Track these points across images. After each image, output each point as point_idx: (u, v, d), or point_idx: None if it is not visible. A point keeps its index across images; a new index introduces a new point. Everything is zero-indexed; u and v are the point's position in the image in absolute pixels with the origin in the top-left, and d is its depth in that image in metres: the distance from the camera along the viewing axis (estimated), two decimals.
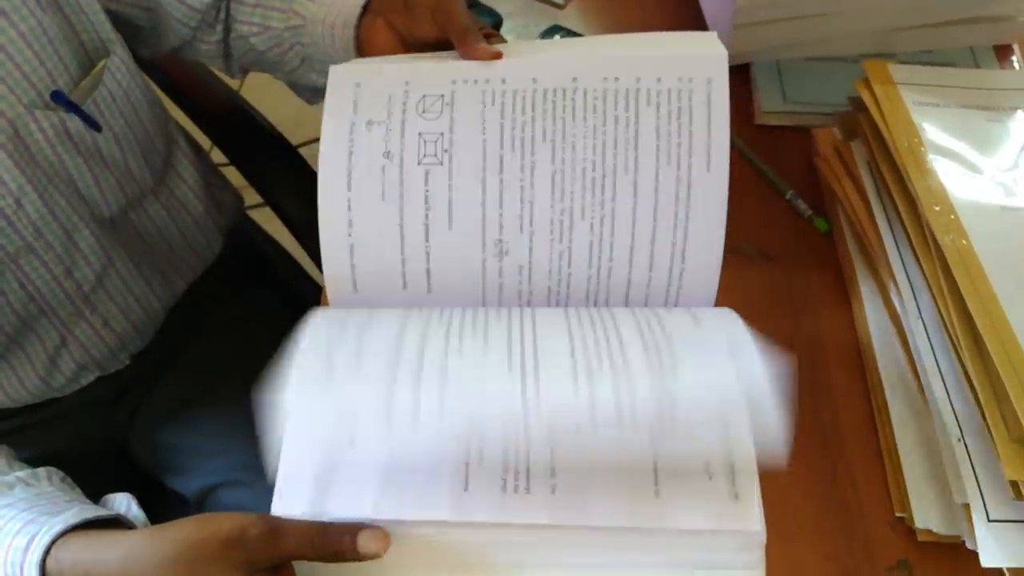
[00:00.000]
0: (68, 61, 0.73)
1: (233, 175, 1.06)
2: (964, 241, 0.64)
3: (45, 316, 0.80)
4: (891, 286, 0.69)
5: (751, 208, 0.80)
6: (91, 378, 0.87)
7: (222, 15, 0.84)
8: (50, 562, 0.55)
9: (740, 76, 0.87)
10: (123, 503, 0.61)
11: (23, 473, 0.63)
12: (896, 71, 0.76)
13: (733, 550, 0.53)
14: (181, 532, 0.52)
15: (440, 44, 0.66)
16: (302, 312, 0.62)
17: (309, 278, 1.10)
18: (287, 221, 0.97)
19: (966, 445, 0.59)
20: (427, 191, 0.60)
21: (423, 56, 0.66)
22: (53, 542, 0.55)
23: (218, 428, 0.91)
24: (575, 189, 0.59)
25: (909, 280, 0.68)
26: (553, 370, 0.56)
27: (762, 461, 0.53)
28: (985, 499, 0.57)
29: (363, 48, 0.74)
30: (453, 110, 0.61)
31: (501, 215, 0.60)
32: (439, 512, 0.52)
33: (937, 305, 0.64)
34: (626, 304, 0.62)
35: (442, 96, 0.61)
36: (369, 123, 0.61)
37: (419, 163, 0.60)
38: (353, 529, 0.50)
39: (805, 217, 0.80)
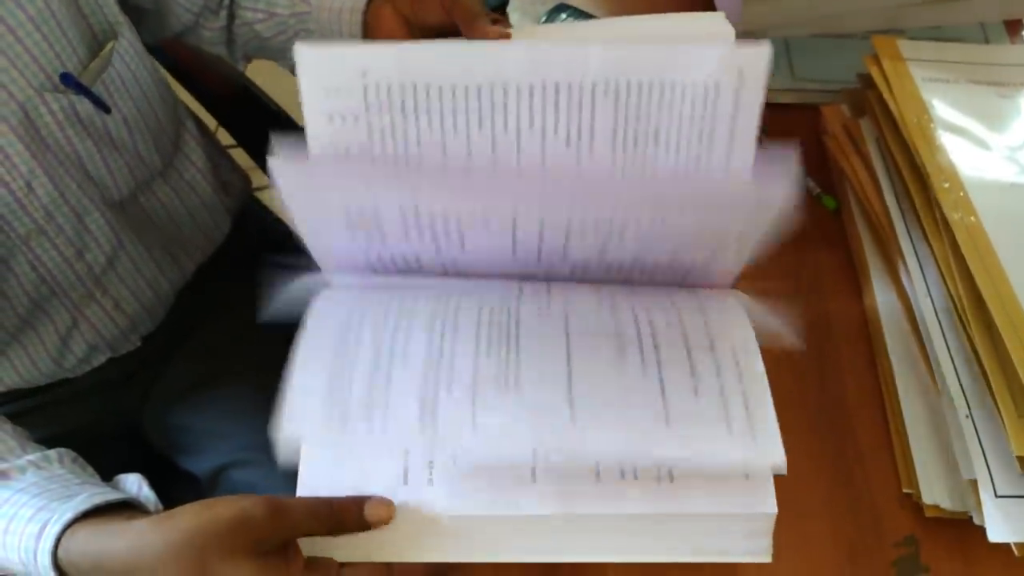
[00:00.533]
0: (77, 44, 0.73)
1: (241, 157, 1.06)
2: (973, 218, 0.64)
3: (56, 298, 0.80)
4: (900, 264, 0.69)
5: None
6: (102, 359, 0.88)
7: (226, 1, 0.84)
8: (60, 551, 0.55)
9: None
10: (134, 484, 0.61)
11: (35, 456, 0.64)
12: (905, 47, 0.76)
13: (743, 536, 0.53)
14: (186, 520, 0.52)
15: (447, 29, 0.65)
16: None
17: None
18: None
19: (974, 421, 0.60)
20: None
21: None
22: (64, 530, 0.56)
23: (229, 408, 0.92)
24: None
25: (918, 257, 0.68)
26: (580, 354, 0.57)
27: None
28: (993, 475, 0.58)
29: (369, 34, 0.74)
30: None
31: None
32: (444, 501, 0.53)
33: (946, 282, 0.64)
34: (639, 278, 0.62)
35: None
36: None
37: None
38: (359, 500, 0.51)
39: (813, 195, 0.79)
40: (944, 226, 0.64)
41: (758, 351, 0.56)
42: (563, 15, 0.95)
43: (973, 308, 0.61)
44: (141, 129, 0.81)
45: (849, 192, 0.77)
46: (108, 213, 0.79)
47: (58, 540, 0.56)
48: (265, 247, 1.06)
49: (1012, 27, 0.88)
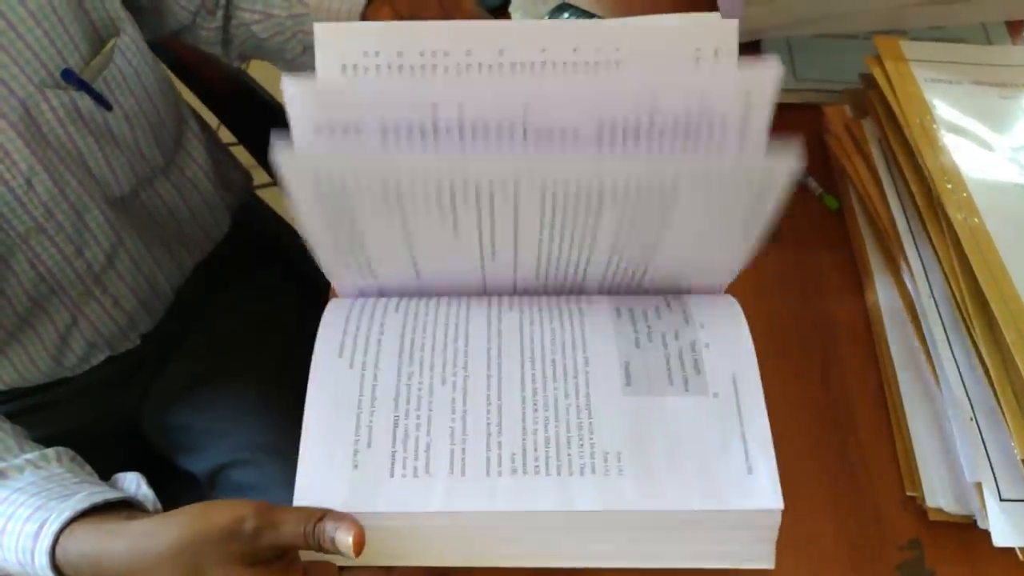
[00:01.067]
0: (78, 40, 0.72)
1: (242, 155, 1.06)
2: (976, 219, 0.63)
3: (55, 295, 0.80)
4: (902, 264, 0.69)
5: None
6: (101, 357, 0.88)
7: (223, 1, 0.83)
8: (58, 551, 0.56)
9: (751, 53, 0.87)
10: (132, 483, 0.61)
11: (32, 455, 0.64)
12: (908, 48, 0.75)
13: (746, 542, 0.53)
14: (183, 524, 0.53)
15: None
16: (310, 291, 0.63)
17: None
18: None
19: (978, 424, 0.59)
20: None
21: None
22: (62, 530, 0.56)
23: (228, 408, 0.92)
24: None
25: (921, 258, 0.67)
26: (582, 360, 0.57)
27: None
28: (997, 478, 0.57)
29: None
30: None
31: None
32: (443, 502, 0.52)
33: (949, 283, 0.64)
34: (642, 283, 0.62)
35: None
36: None
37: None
38: (338, 522, 0.51)
39: (816, 195, 0.79)
40: (947, 227, 0.64)
41: (759, 382, 0.56)
42: (565, 14, 0.95)
43: (976, 309, 0.61)
44: (143, 126, 0.80)
45: (851, 192, 0.77)
46: (108, 210, 0.79)
47: (56, 540, 0.56)
48: (265, 245, 1.06)
49: (1014, 28, 0.88)
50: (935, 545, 0.61)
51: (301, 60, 0.82)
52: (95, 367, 0.88)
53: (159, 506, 0.61)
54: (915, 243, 0.68)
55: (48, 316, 0.81)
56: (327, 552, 0.51)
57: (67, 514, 0.56)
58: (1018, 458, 0.56)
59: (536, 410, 0.56)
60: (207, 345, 0.96)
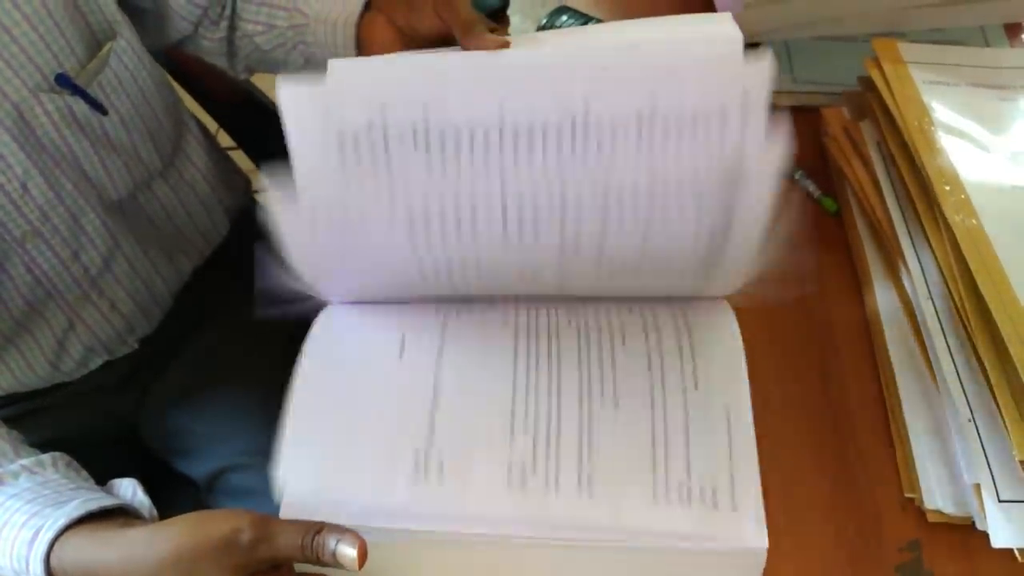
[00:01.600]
0: (75, 43, 0.72)
1: (241, 160, 1.06)
2: (974, 220, 0.63)
3: (52, 300, 0.80)
4: (901, 266, 0.69)
5: None
6: (99, 362, 0.87)
7: (227, 12, 0.83)
8: (53, 558, 0.56)
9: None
10: (128, 489, 0.61)
11: (28, 461, 0.64)
12: (906, 50, 0.76)
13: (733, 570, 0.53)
14: (178, 534, 0.53)
15: (442, 38, 0.65)
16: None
17: None
18: None
19: (976, 425, 0.59)
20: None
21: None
22: (57, 537, 0.56)
23: (226, 412, 0.91)
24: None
25: (919, 260, 0.67)
26: (560, 370, 0.57)
27: None
28: (996, 479, 0.57)
29: (363, 46, 0.74)
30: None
31: None
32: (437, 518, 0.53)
33: (947, 285, 0.63)
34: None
35: None
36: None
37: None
38: (340, 535, 0.51)
39: (814, 197, 0.79)
40: (945, 228, 0.64)
41: (751, 417, 0.56)
42: (564, 17, 0.95)
43: (974, 310, 0.61)
44: (140, 130, 0.80)
45: (850, 194, 0.77)
46: (104, 214, 0.79)
47: (51, 547, 0.55)
48: (264, 250, 1.06)
49: (1012, 30, 0.88)
50: (934, 546, 0.60)
51: (304, 72, 0.82)
52: (93, 372, 0.88)
53: (155, 513, 0.61)
54: (913, 245, 0.68)
55: (45, 320, 0.81)
56: (325, 565, 0.51)
57: (62, 521, 0.56)
58: (1016, 459, 0.55)
59: (525, 425, 0.56)
60: (205, 349, 0.96)
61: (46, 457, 0.65)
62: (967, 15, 0.87)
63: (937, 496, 0.60)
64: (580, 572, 0.55)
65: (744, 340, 0.60)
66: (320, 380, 0.59)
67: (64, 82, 0.71)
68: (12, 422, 0.71)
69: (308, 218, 0.55)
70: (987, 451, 0.58)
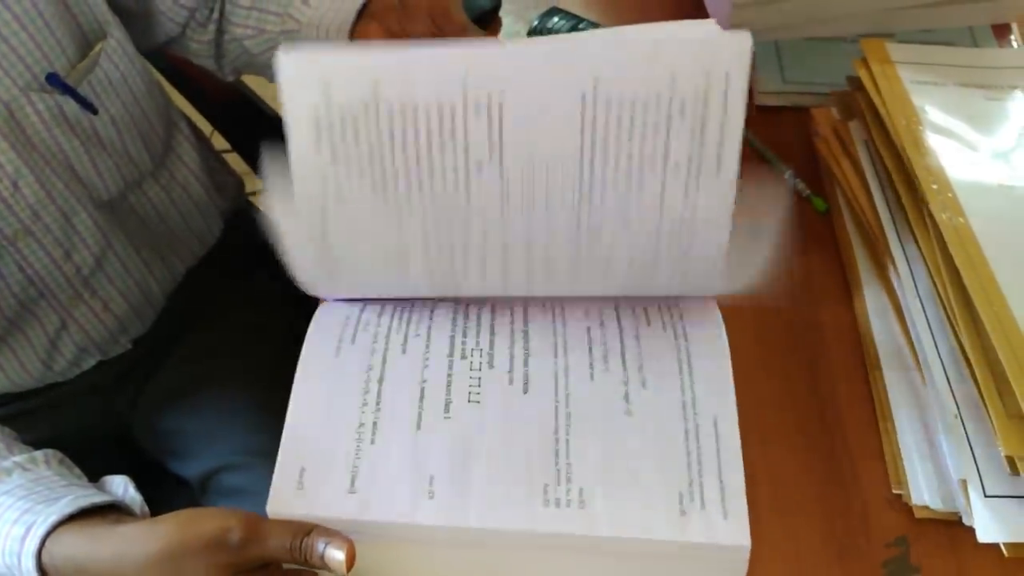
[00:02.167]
0: (65, 43, 0.73)
1: (235, 163, 1.06)
2: (961, 219, 0.64)
3: (45, 299, 0.80)
4: (889, 264, 0.69)
5: (749, 188, 0.80)
6: (92, 362, 0.88)
7: (215, 15, 0.84)
8: (45, 555, 0.56)
9: None
10: (120, 486, 0.62)
11: (21, 458, 0.64)
12: (894, 50, 0.76)
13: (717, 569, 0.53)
14: (168, 531, 0.53)
15: None
16: (302, 297, 0.63)
17: None
18: None
19: (963, 422, 0.60)
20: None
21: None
22: (49, 533, 0.56)
23: (220, 412, 0.92)
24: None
25: (907, 258, 0.68)
26: (544, 379, 0.57)
27: None
28: (982, 475, 0.58)
29: None
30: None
31: None
32: (427, 517, 0.53)
33: (934, 283, 0.64)
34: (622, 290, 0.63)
35: None
36: None
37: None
38: (329, 538, 0.51)
39: (803, 197, 0.80)
40: (932, 227, 0.65)
41: (736, 421, 0.56)
42: (555, 19, 0.95)
43: (961, 307, 0.61)
44: (130, 129, 0.80)
45: (839, 193, 0.77)
46: (96, 213, 0.79)
47: (42, 543, 0.56)
48: (257, 251, 1.06)
49: (1000, 31, 0.89)
50: (921, 542, 0.61)
51: None
52: (86, 372, 0.88)
53: (146, 510, 0.61)
54: (901, 243, 0.69)
55: (37, 320, 0.81)
56: (314, 567, 0.52)
57: (54, 518, 0.56)
58: (1002, 455, 0.56)
59: (521, 426, 0.56)
60: (199, 350, 0.96)
61: (39, 454, 0.65)
62: (955, 16, 0.88)
63: (924, 492, 0.61)
64: (566, 573, 0.55)
65: (733, 337, 0.60)
66: (319, 378, 0.59)
67: (54, 81, 0.72)
68: (6, 422, 0.71)
69: (304, 206, 0.56)
70: (973, 447, 0.59)
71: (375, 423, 0.56)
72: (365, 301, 0.64)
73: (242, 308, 0.99)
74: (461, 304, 0.63)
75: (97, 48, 0.75)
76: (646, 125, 0.54)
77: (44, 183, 0.74)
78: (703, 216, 0.57)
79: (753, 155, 0.82)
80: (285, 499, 0.54)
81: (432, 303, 0.63)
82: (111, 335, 0.87)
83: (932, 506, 0.60)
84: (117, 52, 0.78)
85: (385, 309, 0.63)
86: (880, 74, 0.74)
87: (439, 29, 0.65)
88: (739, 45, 0.52)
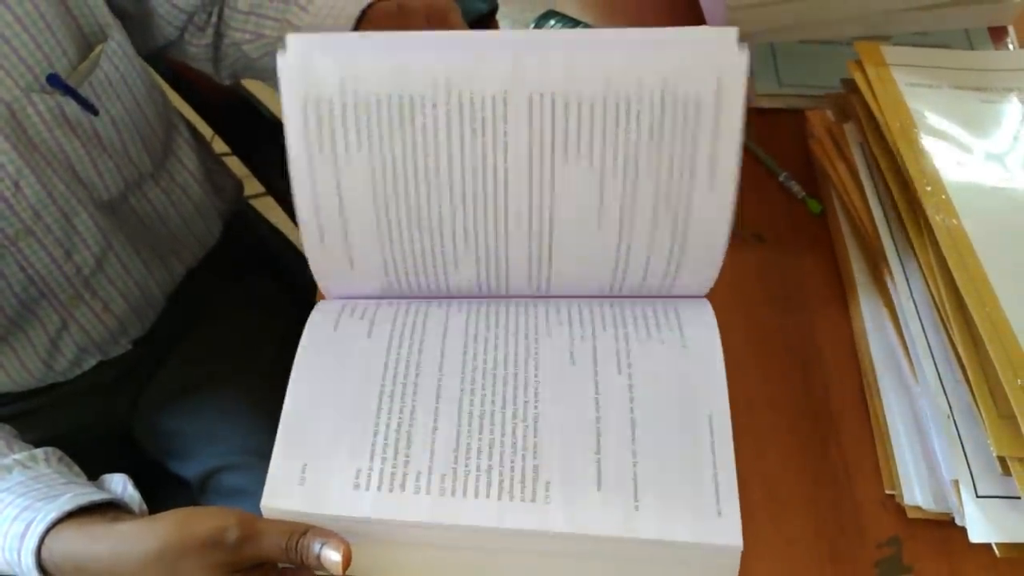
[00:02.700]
0: (66, 45, 0.73)
1: (235, 166, 1.06)
2: (955, 221, 0.64)
3: (45, 299, 0.80)
4: (883, 266, 0.69)
5: (744, 190, 0.80)
6: (92, 362, 0.88)
7: (213, 19, 0.84)
8: (44, 551, 0.57)
9: None
10: (119, 484, 0.62)
11: (21, 456, 0.64)
12: (889, 53, 0.76)
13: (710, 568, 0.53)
14: (166, 528, 0.54)
15: None
16: (302, 299, 0.63)
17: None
18: (289, 208, 0.97)
19: (955, 422, 0.60)
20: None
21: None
22: (48, 530, 0.56)
23: (219, 413, 0.92)
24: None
25: (901, 260, 0.68)
26: (545, 378, 0.58)
27: None
28: (974, 475, 0.58)
29: None
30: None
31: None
32: (423, 514, 0.53)
33: (928, 284, 0.64)
34: (617, 288, 0.63)
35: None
36: None
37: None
38: (325, 538, 0.52)
39: (799, 199, 0.80)
40: (926, 229, 0.65)
41: (728, 412, 0.57)
42: (552, 21, 0.95)
43: (955, 309, 0.61)
44: (130, 131, 0.81)
45: (834, 196, 0.77)
46: (96, 214, 0.80)
47: (42, 540, 0.56)
48: (257, 253, 1.07)
49: (996, 33, 0.89)
50: (913, 542, 0.61)
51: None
52: (86, 372, 0.88)
53: (145, 508, 0.62)
54: (895, 245, 0.69)
55: (38, 320, 0.82)
56: (309, 567, 0.52)
57: (53, 515, 0.57)
58: (994, 455, 0.56)
59: (519, 425, 0.56)
60: (198, 350, 0.96)
61: (39, 452, 0.66)
62: (951, 19, 0.88)
63: (917, 492, 0.61)
64: (558, 572, 0.55)
65: (727, 338, 0.60)
66: (316, 376, 0.59)
67: (55, 82, 0.72)
68: (6, 421, 0.72)
69: (317, 200, 0.58)
70: (965, 448, 0.59)
71: (375, 421, 0.57)
72: (363, 302, 0.64)
73: (241, 309, 1.00)
74: (464, 299, 0.64)
75: (98, 50, 0.76)
76: (641, 128, 0.54)
77: (45, 183, 0.74)
78: (700, 219, 0.57)
79: (748, 157, 0.82)
80: (283, 494, 0.54)
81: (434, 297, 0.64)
82: (111, 335, 0.87)
83: (924, 506, 0.61)
84: (118, 54, 0.78)
85: (383, 302, 0.63)
86: (875, 76, 0.74)
87: None
88: (735, 48, 0.53)
